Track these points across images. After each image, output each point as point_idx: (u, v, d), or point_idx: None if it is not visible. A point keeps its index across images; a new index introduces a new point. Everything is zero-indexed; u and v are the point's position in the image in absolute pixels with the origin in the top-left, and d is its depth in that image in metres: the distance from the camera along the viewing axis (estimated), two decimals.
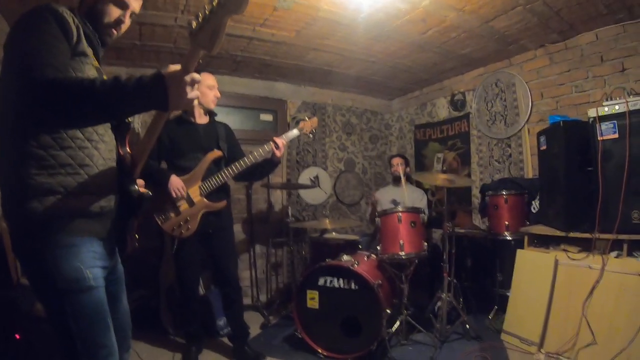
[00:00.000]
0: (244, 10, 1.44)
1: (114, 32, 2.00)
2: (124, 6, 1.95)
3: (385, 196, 6.15)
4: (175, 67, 1.59)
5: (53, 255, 1.71)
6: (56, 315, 1.77)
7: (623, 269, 3.43)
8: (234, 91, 6.42)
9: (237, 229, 6.10)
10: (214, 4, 1.43)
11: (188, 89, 1.58)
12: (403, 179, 5.87)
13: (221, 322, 4.83)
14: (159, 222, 3.73)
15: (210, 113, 4.17)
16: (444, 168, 6.65)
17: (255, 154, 3.97)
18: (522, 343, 4.01)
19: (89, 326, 1.77)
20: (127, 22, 2.03)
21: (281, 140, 4.05)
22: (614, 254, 3.56)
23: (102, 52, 2.05)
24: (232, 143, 4.27)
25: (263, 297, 6.25)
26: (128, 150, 2.00)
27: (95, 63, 1.93)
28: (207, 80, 3.98)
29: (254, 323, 4.86)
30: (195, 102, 3.95)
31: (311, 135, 4.55)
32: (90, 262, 1.80)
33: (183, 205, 3.79)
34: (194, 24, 1.51)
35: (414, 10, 4.31)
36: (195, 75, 1.58)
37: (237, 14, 1.45)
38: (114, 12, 1.94)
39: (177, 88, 1.56)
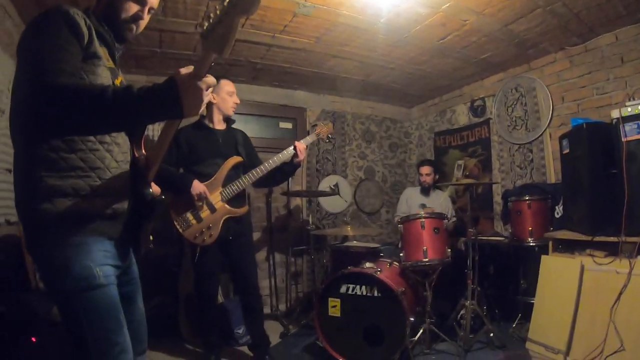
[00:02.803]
0: (255, 11, 1.43)
1: (133, 27, 2.00)
2: (142, 2, 1.95)
3: (415, 198, 6.14)
4: (187, 71, 1.58)
5: (64, 254, 1.71)
6: (68, 313, 1.79)
7: None
8: (254, 99, 6.47)
9: (257, 237, 6.12)
10: (225, 4, 1.42)
11: (202, 93, 1.57)
12: (432, 190, 5.92)
13: (240, 330, 4.80)
14: (180, 230, 3.70)
15: (227, 120, 4.17)
16: (466, 174, 6.62)
17: (276, 158, 4.00)
18: (547, 351, 3.91)
19: (100, 323, 1.76)
20: (146, 18, 2.03)
21: (302, 145, 4.08)
22: None
23: (120, 51, 2.06)
24: (250, 149, 4.28)
25: (282, 306, 6.24)
26: (143, 152, 1.99)
27: (110, 64, 1.93)
28: (226, 86, 4.00)
29: (273, 332, 4.81)
30: (215, 107, 3.99)
31: (328, 140, 4.63)
32: (101, 260, 1.79)
33: (205, 212, 3.76)
34: (205, 25, 1.51)
35: (434, 14, 4.30)
36: (210, 79, 1.58)
37: (249, 15, 1.44)
38: (132, 7, 1.94)
39: (191, 94, 1.55)
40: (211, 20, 1.49)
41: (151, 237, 2.15)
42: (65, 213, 1.71)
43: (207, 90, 1.58)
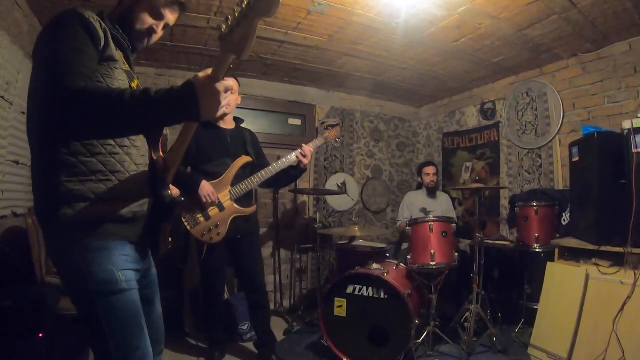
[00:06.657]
0: (274, 13, 1.38)
1: (146, 39, 2.00)
2: (159, 17, 1.95)
3: (416, 202, 6.10)
4: (205, 74, 1.56)
5: (85, 259, 1.71)
6: (90, 317, 1.77)
7: None
8: (263, 95, 6.47)
9: (263, 233, 6.12)
10: (244, 5, 1.38)
11: (220, 96, 1.54)
12: (439, 191, 5.96)
13: (244, 326, 4.84)
14: (188, 227, 3.67)
15: (236, 119, 4.16)
16: (475, 178, 6.61)
17: (283, 161, 3.99)
18: (549, 358, 3.92)
19: (122, 328, 1.76)
20: (160, 33, 2.03)
21: (308, 148, 4.06)
22: None
23: (134, 57, 2.05)
24: (258, 149, 4.26)
25: (286, 303, 6.27)
26: (161, 154, 1.98)
27: (126, 67, 1.92)
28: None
29: (277, 329, 4.80)
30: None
31: (336, 143, 4.64)
32: (123, 264, 1.79)
33: (213, 210, 3.75)
34: (223, 27, 1.49)
35: (449, 17, 4.29)
36: (227, 83, 1.55)
37: (268, 16, 1.39)
38: (148, 20, 1.94)
39: (209, 97, 1.52)
40: (229, 23, 1.46)
41: (170, 239, 2.14)
42: (86, 217, 1.71)
43: (225, 93, 1.56)
